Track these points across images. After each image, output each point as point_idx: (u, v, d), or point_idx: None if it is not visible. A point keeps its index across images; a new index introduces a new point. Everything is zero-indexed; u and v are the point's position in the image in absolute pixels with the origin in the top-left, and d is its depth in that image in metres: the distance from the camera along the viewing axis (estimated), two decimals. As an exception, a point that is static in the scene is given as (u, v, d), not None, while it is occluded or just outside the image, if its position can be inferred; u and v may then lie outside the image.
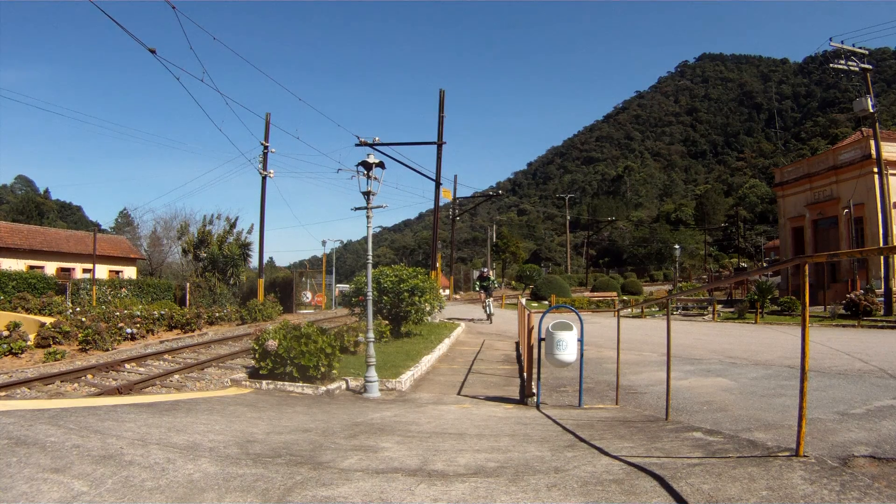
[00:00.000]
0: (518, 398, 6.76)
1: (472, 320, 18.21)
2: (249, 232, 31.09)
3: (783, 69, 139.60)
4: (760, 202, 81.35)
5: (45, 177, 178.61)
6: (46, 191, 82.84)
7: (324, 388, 7.09)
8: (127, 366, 10.48)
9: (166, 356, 11.89)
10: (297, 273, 34.72)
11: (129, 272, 33.18)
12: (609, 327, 14.76)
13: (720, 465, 2.94)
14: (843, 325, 15.51)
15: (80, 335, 12.80)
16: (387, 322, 12.52)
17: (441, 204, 23.61)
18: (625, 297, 33.52)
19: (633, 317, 21.53)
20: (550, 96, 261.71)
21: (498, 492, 2.68)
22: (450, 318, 18.75)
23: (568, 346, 6.05)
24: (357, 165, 7.32)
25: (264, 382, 7.23)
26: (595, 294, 33.67)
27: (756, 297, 20.07)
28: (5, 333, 11.59)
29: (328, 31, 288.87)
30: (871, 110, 19.11)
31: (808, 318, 3.00)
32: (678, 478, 2.68)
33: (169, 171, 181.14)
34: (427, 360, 9.58)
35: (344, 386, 7.44)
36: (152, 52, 11.09)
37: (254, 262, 29.50)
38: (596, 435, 4.15)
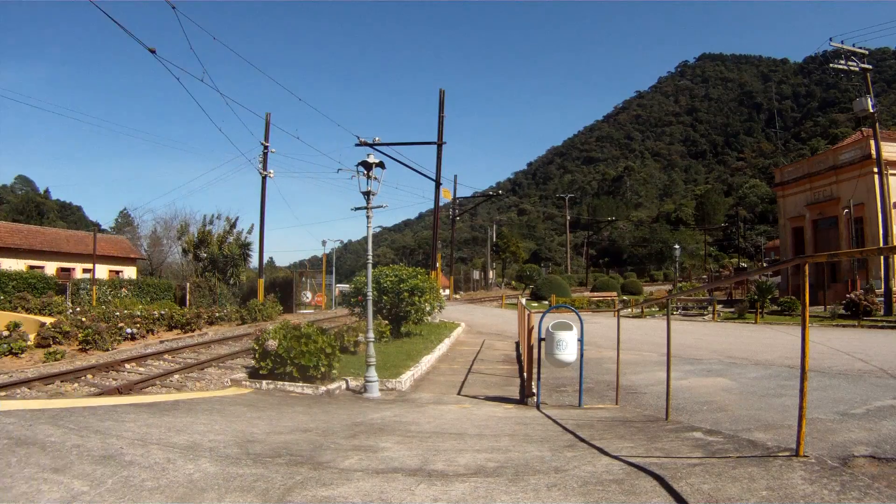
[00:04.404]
0: (518, 398, 6.76)
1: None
2: (249, 232, 31.11)
3: (783, 69, 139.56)
4: (760, 202, 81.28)
5: (45, 177, 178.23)
6: (46, 191, 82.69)
7: (324, 388, 7.08)
8: (127, 366, 10.47)
9: (166, 356, 11.89)
10: (297, 273, 34.72)
11: (129, 272, 33.17)
12: (609, 327, 14.75)
13: (720, 465, 2.94)
14: (843, 325, 15.52)
15: (80, 335, 12.80)
16: (387, 322, 12.52)
17: (441, 204, 23.66)
18: (625, 297, 33.51)
19: (633, 317, 21.53)
20: (550, 96, 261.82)
21: (498, 492, 2.68)
22: (450, 319, 18.76)
23: (568, 346, 6.05)
24: (357, 165, 7.33)
25: (264, 382, 7.23)
26: (595, 294, 33.67)
27: (756, 297, 20.07)
28: (5, 333, 11.59)
29: (328, 31, 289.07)
30: (871, 110, 19.11)
31: (808, 318, 3.00)
32: (678, 478, 2.68)
33: (169, 171, 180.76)
34: (427, 360, 9.58)
35: (344, 386, 7.44)
36: (152, 52, 11.10)
37: (254, 262, 29.53)
38: (596, 435, 4.15)
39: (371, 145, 18.80)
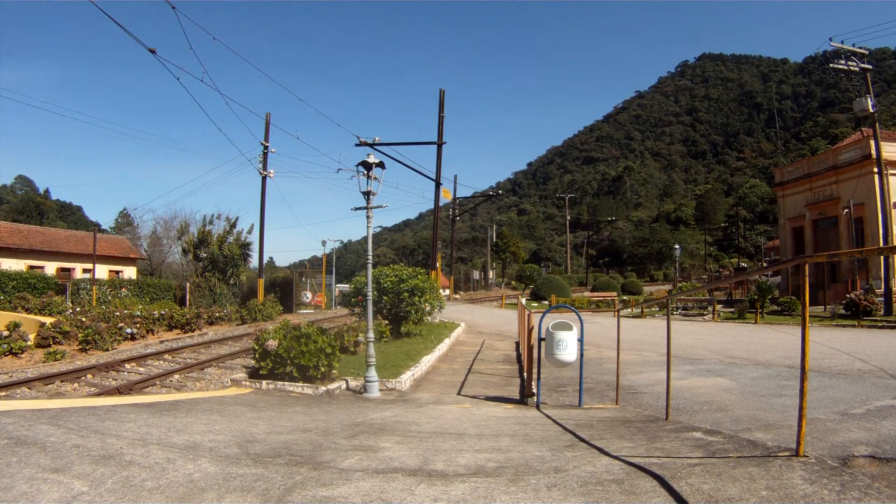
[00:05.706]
0: (518, 398, 6.76)
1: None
2: (249, 232, 31.10)
3: (783, 69, 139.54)
4: (760, 202, 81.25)
5: (45, 177, 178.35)
6: (46, 191, 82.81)
7: (324, 388, 7.08)
8: (127, 366, 10.47)
9: (166, 356, 11.89)
10: (297, 273, 34.73)
11: (129, 272, 33.16)
12: (609, 327, 14.75)
13: (720, 465, 2.94)
14: (843, 325, 15.51)
15: (80, 335, 12.79)
16: (387, 322, 12.52)
17: (441, 204, 23.66)
18: (625, 297, 33.51)
19: (633, 317, 21.53)
20: (550, 96, 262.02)
21: (498, 492, 2.68)
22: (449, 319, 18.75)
23: (568, 346, 6.05)
24: (357, 165, 7.33)
25: (264, 382, 7.23)
26: (595, 294, 33.65)
27: (756, 297, 20.07)
28: (5, 333, 11.58)
29: (329, 31, 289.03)
30: (871, 110, 19.11)
31: (808, 318, 2.99)
32: (678, 478, 2.68)
33: (169, 171, 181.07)
34: (427, 360, 9.58)
35: (344, 386, 7.44)
36: (152, 52, 11.10)
37: (254, 262, 29.54)
38: (596, 435, 4.15)
39: (371, 145, 18.81)
